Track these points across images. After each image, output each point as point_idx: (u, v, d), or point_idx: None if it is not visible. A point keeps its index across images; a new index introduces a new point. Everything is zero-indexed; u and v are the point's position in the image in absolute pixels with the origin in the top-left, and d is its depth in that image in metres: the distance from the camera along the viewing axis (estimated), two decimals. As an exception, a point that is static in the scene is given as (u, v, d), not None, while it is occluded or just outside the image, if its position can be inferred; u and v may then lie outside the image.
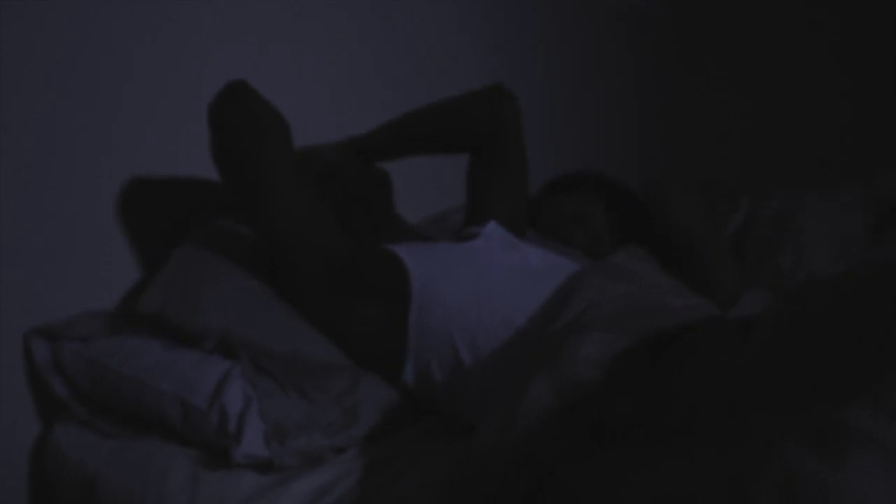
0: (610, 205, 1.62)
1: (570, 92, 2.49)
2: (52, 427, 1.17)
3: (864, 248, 1.35)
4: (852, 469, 0.50)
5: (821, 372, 0.60)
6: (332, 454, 1.00)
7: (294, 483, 0.94)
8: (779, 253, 1.44)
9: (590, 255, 1.53)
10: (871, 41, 2.64)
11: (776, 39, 2.76)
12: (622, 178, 1.73)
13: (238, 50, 1.53)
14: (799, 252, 1.42)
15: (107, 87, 1.32)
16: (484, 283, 1.11)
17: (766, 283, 1.39)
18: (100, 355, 1.13)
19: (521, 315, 1.05)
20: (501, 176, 1.44)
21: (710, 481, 0.58)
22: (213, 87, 1.22)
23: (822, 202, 1.53)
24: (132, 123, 1.36)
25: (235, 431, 0.97)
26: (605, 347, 0.85)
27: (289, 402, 1.02)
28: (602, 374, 0.81)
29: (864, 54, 2.67)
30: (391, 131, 1.46)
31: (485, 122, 1.43)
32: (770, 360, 0.67)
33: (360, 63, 1.83)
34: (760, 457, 0.55)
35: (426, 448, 1.01)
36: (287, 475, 0.95)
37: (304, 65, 1.69)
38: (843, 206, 1.49)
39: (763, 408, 0.62)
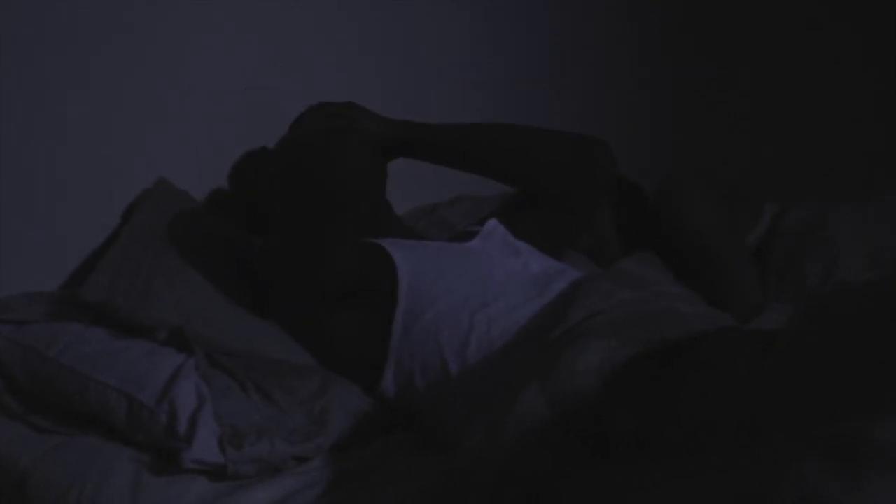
0: (619, 206, 1.62)
1: (580, 87, 2.51)
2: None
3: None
4: (872, 490, 0.52)
5: (842, 390, 0.61)
6: (294, 463, 0.99)
7: (250, 492, 0.93)
8: (806, 264, 1.43)
9: (595, 260, 1.53)
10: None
11: (797, 35, 2.79)
12: (632, 177, 1.73)
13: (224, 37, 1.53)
14: (828, 264, 1.42)
15: (70, 64, 1.33)
16: (480, 289, 1.11)
17: (791, 296, 1.39)
18: (37, 343, 1.12)
19: (518, 325, 1.05)
20: (554, 224, 1.37)
21: (721, 500, 0.58)
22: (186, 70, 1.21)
23: (853, 211, 1.53)
24: (97, 101, 1.36)
25: (186, 433, 0.96)
26: (606, 356, 0.86)
27: (248, 402, 1.01)
28: (602, 384, 0.82)
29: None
30: (457, 136, 1.36)
31: (574, 182, 1.34)
32: (791, 376, 0.68)
33: (357, 53, 1.83)
34: (776, 476, 0.56)
35: (402, 461, 1.00)
36: (242, 483, 0.95)
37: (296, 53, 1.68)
38: (877, 215, 1.49)
39: (781, 426, 0.63)
